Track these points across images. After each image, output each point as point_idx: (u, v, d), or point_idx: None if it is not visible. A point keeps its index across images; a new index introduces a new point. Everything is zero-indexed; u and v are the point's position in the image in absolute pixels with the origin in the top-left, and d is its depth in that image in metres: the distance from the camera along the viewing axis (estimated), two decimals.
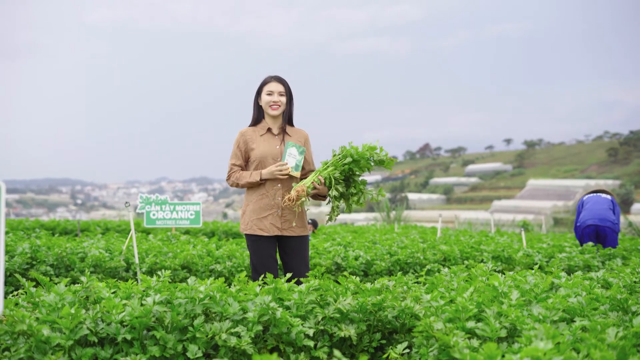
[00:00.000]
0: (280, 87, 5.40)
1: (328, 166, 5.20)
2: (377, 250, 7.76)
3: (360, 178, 5.27)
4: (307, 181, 5.15)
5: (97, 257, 6.75)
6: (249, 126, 5.54)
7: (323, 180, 5.13)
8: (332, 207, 5.30)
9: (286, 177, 5.22)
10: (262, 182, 5.33)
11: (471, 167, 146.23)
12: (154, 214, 9.90)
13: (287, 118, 5.52)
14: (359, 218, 50.06)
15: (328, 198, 5.30)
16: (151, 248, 7.61)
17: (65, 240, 8.23)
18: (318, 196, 5.35)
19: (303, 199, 5.08)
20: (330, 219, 5.37)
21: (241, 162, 5.42)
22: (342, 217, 43.95)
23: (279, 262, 6.08)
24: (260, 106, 5.49)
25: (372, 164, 5.18)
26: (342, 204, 5.35)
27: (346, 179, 5.24)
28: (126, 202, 7.16)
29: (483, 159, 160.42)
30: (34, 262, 6.69)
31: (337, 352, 2.24)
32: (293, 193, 5.10)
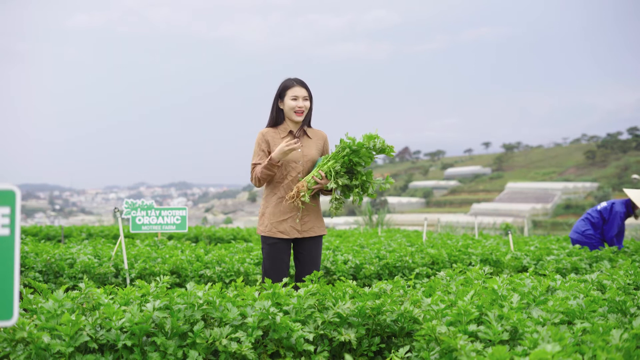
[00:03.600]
0: (304, 92, 5.37)
1: (328, 160, 5.21)
2: (366, 254, 7.76)
3: (366, 170, 5.25)
4: (308, 177, 5.17)
5: (86, 263, 6.71)
6: (268, 127, 5.51)
7: (324, 175, 5.13)
8: (330, 199, 5.29)
9: (293, 147, 5.10)
10: (279, 181, 5.34)
11: (450, 171, 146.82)
12: (139, 219, 9.82)
13: (308, 120, 5.52)
14: (339, 222, 50.01)
15: (335, 193, 5.29)
16: (140, 254, 7.56)
17: (52, 246, 8.18)
18: (325, 191, 5.33)
19: (303, 193, 5.09)
20: (331, 214, 5.36)
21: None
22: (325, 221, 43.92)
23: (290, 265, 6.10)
24: (280, 109, 5.46)
25: (374, 152, 5.15)
26: (340, 195, 5.32)
27: (349, 171, 5.22)
28: (115, 208, 7.14)
29: (462, 162, 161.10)
30: (23, 269, 6.63)
31: (348, 357, 2.24)
32: (294, 190, 5.12)
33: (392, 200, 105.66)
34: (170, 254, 7.53)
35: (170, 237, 13.78)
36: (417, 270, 6.60)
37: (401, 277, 7.20)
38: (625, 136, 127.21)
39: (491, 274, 7.31)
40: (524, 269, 7.43)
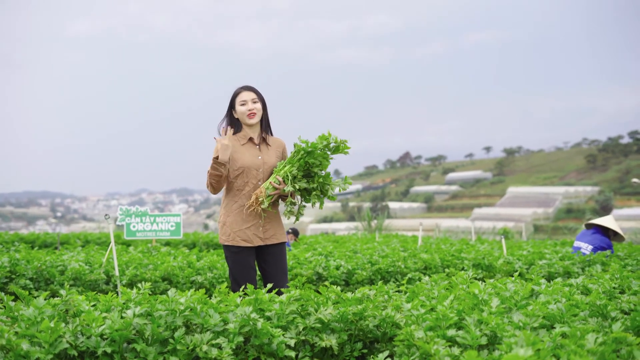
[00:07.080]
0: (252, 95, 5.37)
1: (285, 165, 5.22)
2: (358, 259, 7.76)
3: (324, 172, 5.26)
4: (266, 183, 5.18)
5: (77, 270, 6.70)
6: None
7: (282, 180, 5.14)
8: (286, 202, 5.30)
9: (225, 137, 5.10)
10: (239, 189, 5.32)
11: (451, 175, 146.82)
12: (134, 226, 9.84)
13: (266, 127, 5.52)
14: (340, 227, 50.04)
15: (294, 197, 5.30)
16: (131, 260, 7.56)
17: (45, 253, 8.17)
18: (284, 197, 5.32)
19: (262, 199, 5.10)
20: (296, 218, 5.37)
21: None
22: (324, 226, 43.98)
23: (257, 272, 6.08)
24: (236, 118, 5.46)
25: (329, 152, 5.16)
26: (301, 201, 5.35)
27: (307, 175, 5.23)
28: (106, 215, 7.12)
29: (463, 167, 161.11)
30: (13, 276, 6.63)
31: None
32: (253, 197, 5.13)
33: (393, 205, 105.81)
34: (162, 260, 7.52)
35: (167, 244, 13.78)
36: (409, 275, 6.61)
37: (394, 282, 7.19)
38: (626, 140, 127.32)
39: (483, 278, 7.30)
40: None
